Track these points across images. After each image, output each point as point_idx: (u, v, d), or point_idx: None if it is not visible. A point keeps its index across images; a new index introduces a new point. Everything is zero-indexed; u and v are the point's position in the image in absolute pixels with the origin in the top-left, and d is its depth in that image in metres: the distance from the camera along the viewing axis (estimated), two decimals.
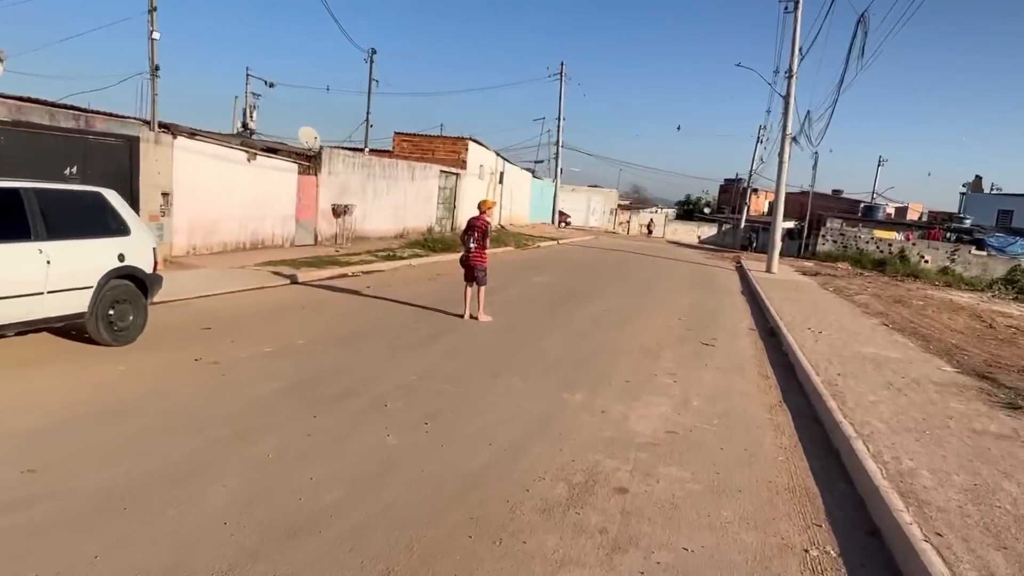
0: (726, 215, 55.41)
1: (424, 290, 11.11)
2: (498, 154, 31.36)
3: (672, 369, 7.30)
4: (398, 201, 20.43)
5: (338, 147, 19.58)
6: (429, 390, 5.71)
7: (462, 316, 8.91)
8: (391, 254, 15.18)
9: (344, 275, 12.16)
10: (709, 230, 52.08)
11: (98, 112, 11.33)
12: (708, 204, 74.37)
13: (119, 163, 10.74)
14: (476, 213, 9.01)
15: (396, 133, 27.81)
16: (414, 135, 27.76)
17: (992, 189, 43.16)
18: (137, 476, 3.63)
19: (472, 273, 8.84)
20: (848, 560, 3.46)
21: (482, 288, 8.89)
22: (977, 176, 44.42)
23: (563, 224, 43.20)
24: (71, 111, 10.57)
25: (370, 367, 6.25)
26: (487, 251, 8.97)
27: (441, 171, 23.58)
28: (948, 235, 30.52)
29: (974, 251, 27.84)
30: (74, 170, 9.98)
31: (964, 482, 4.33)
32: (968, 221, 35.07)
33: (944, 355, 8.85)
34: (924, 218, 41.97)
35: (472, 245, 8.80)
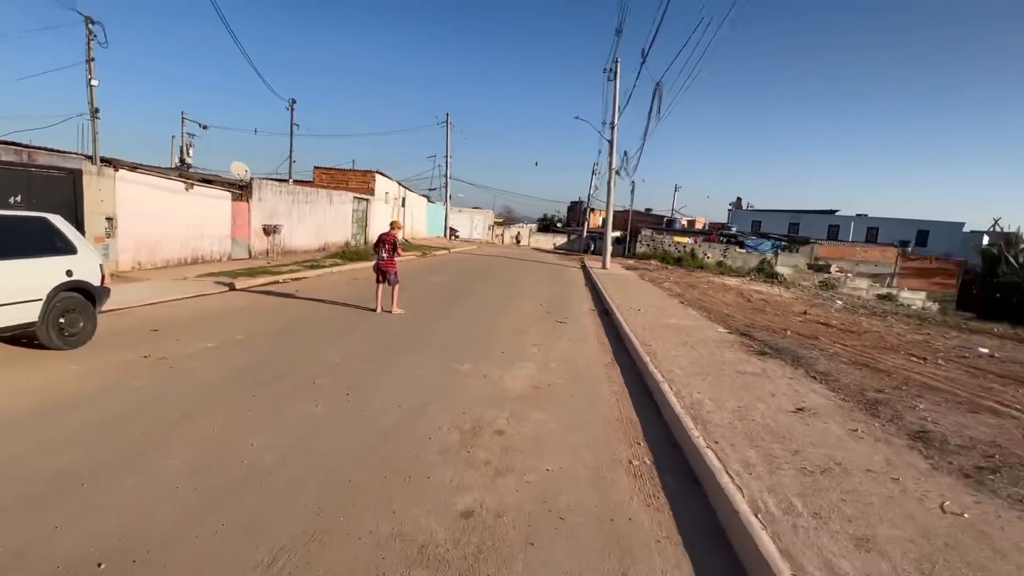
0: (573, 228, 57.45)
1: (344, 291, 10.67)
2: (400, 183, 30.63)
3: (536, 342, 7.51)
4: (319, 221, 19.44)
5: (266, 178, 18.25)
6: (351, 369, 5.51)
7: (375, 310, 8.70)
8: (315, 264, 14.39)
9: (276, 282, 11.39)
10: (562, 239, 53.83)
11: (40, 148, 9.86)
12: (560, 220, 76.89)
13: (64, 193, 9.41)
14: (387, 230, 8.91)
15: (316, 167, 26.36)
16: (330, 168, 26.42)
17: (748, 206, 47.91)
18: (94, 458, 3.24)
19: (384, 276, 8.76)
20: (659, 466, 3.76)
21: (396, 286, 8.79)
22: (738, 197, 49.09)
23: (453, 237, 42.95)
24: (12, 146, 9.10)
25: (301, 354, 5.92)
26: (396, 259, 8.88)
27: (354, 197, 22.69)
28: (721, 239, 33.55)
29: (738, 249, 30.82)
30: (18, 199, 8.63)
31: (733, 406, 4.80)
32: (733, 228, 38.79)
33: (720, 321, 9.74)
34: (706, 227, 45.80)
35: (383, 254, 8.74)
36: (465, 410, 4.54)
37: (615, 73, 22.31)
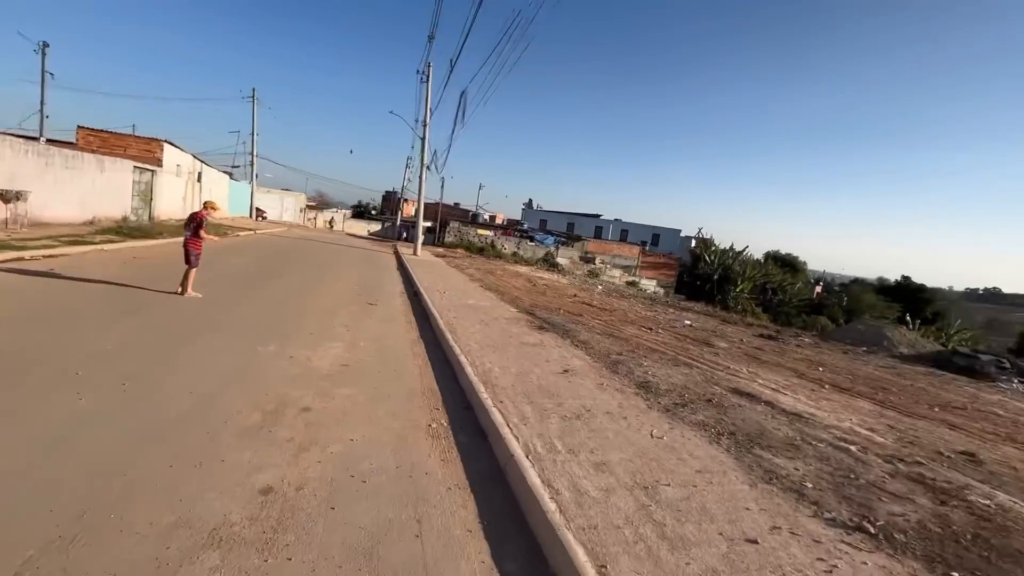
0: (387, 216, 55.84)
1: (120, 272, 8.65)
2: (196, 156, 25.78)
3: (346, 323, 7.18)
4: (86, 190, 15.23)
5: (7, 133, 13.64)
6: (128, 357, 4.52)
7: (177, 292, 7.30)
8: (78, 239, 11.32)
9: (20, 258, 8.67)
10: (376, 226, 51.88)
11: None
12: (375, 207, 74.01)
13: None
14: (197, 208, 7.56)
15: (80, 127, 20.53)
16: (102, 131, 20.78)
17: (538, 207, 52.55)
18: None
19: (187, 257, 7.39)
20: (455, 426, 3.98)
21: (193, 269, 7.42)
22: (530, 199, 53.59)
23: (260, 218, 37.93)
24: None
25: (60, 343, 4.67)
26: (202, 240, 7.55)
27: (135, 167, 18.34)
28: (516, 233, 36.20)
29: (529, 242, 33.64)
30: None
31: (516, 371, 5.31)
32: (525, 225, 42.22)
33: (511, 302, 10.59)
34: (505, 222, 48.99)
35: (188, 233, 7.38)
36: (268, 391, 4.15)
37: (427, 76, 22.17)
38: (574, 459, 3.35)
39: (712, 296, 29.74)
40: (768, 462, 3.64)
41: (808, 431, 4.41)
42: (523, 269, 22.46)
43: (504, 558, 2.43)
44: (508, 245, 32.28)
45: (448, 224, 34.87)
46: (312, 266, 13.86)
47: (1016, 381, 10.59)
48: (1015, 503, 3.42)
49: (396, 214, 47.41)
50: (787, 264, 37.76)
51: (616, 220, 47.33)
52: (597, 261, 32.96)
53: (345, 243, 26.28)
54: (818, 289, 37.81)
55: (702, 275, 32.84)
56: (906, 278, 37.64)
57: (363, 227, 51.18)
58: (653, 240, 44.79)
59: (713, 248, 35.06)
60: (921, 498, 3.30)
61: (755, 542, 2.60)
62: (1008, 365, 11.51)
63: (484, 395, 4.41)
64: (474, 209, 52.44)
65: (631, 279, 31.18)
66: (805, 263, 40.62)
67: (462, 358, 5.55)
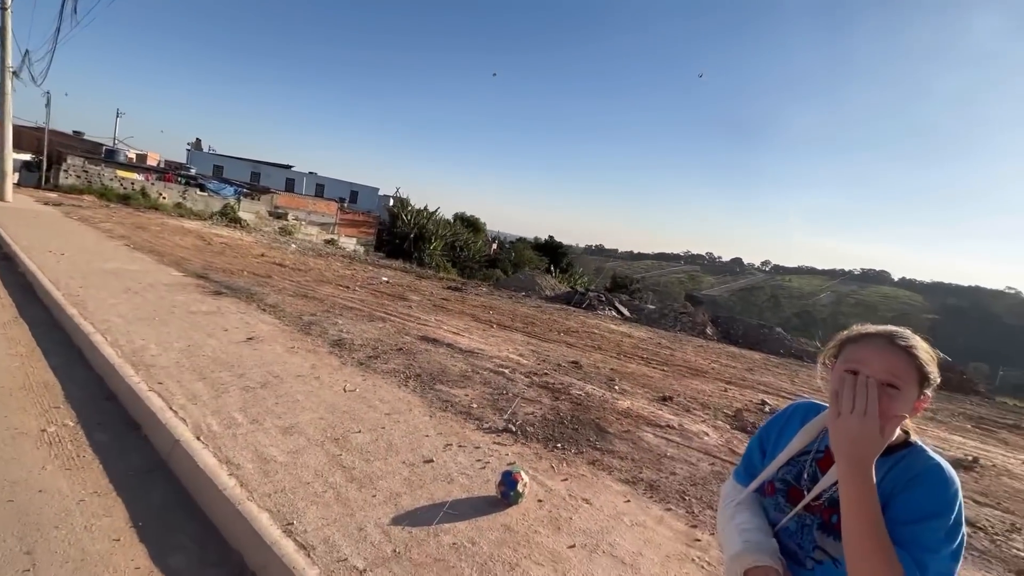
0: None
1: None
2: None
3: None
4: None
5: None
6: None
7: None
8: None
9: None
10: None
11: None
12: None
13: None
14: None
15: None
16: None
17: (210, 149, 43.68)
18: None
19: None
20: (86, 423, 3.14)
21: None
22: (197, 138, 43.74)
23: None
24: None
25: None
26: None
27: None
28: (180, 179, 29.36)
29: (199, 192, 27.84)
30: None
31: (182, 346, 4.51)
32: (193, 170, 34.59)
33: (174, 265, 8.72)
34: (161, 165, 38.77)
35: None
36: None
37: None
38: (259, 429, 3.15)
39: (410, 254, 31.63)
40: (446, 394, 4.28)
41: (477, 363, 5.36)
42: (193, 225, 18.62)
43: (168, 554, 2.15)
44: (168, 194, 26.00)
45: (65, 160, 25.37)
46: None
47: (607, 308, 15.37)
48: (594, 389, 5.09)
49: None
50: (471, 224, 43.29)
51: (311, 173, 44.10)
52: (290, 217, 30.18)
53: None
54: (494, 246, 45.05)
55: (400, 234, 34.38)
56: (551, 237, 48.66)
57: None
58: (352, 197, 43.91)
59: (410, 208, 36.97)
60: (545, 399, 4.53)
61: (431, 461, 3.07)
62: (604, 299, 16.58)
63: (134, 379, 3.60)
64: (111, 143, 39.51)
65: (330, 237, 29.96)
66: (484, 223, 47.44)
67: (97, 337, 4.34)
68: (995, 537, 3.26)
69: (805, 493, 1.02)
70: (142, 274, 7.45)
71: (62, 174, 24.05)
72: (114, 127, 40.02)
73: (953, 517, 0.89)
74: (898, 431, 1.00)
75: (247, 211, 27.29)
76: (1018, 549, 3.15)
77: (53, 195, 20.71)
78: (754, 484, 1.11)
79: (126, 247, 9.95)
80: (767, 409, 5.49)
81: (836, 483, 0.95)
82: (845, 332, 1.05)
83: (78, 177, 24.31)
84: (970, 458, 4.85)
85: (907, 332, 1.00)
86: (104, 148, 33.05)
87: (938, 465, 0.96)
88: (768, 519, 1.08)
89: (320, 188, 42.67)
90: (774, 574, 0.98)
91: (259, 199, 30.54)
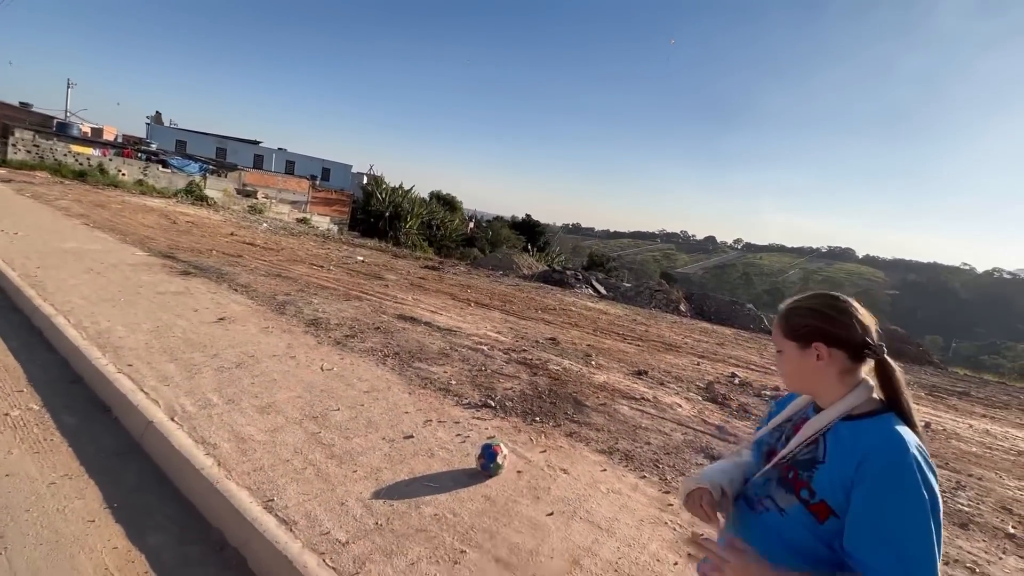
0: None
1: None
2: None
3: None
4: None
5: None
6: None
7: None
8: None
9: None
10: None
11: None
12: None
13: None
14: None
15: None
16: None
17: (171, 124, 41.63)
18: None
19: None
20: (52, 407, 3.05)
21: None
22: (157, 112, 41.52)
23: None
24: None
25: None
26: None
27: None
28: (140, 155, 27.99)
29: (162, 169, 26.61)
30: None
31: (150, 327, 4.39)
32: (154, 145, 32.97)
33: (138, 244, 8.40)
34: (119, 139, 36.85)
35: None
36: None
37: None
38: (235, 408, 3.12)
39: (385, 233, 31.14)
40: (425, 371, 4.30)
41: (456, 341, 5.38)
42: (155, 203, 17.89)
43: (146, 534, 2.13)
44: (128, 171, 24.82)
45: (12, 134, 23.84)
46: None
47: (583, 286, 15.52)
48: (572, 364, 5.18)
49: None
50: (447, 203, 42.78)
51: (280, 150, 42.62)
52: (260, 195, 29.25)
53: None
54: (471, 225, 44.68)
55: (375, 212, 33.75)
56: (528, 216, 48.53)
57: None
58: (324, 175, 42.72)
59: (384, 186, 36.23)
60: (523, 374, 4.59)
61: (411, 437, 3.10)
62: (580, 277, 16.73)
63: (101, 361, 3.50)
64: (62, 116, 37.20)
65: (302, 216, 29.20)
66: (461, 202, 46.95)
67: (59, 320, 4.19)
68: (943, 494, 3.50)
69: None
70: (104, 254, 7.16)
71: (10, 149, 22.65)
72: (65, 99, 37.68)
73: (910, 497, 0.88)
74: (870, 395, 1.01)
75: (214, 189, 26.33)
76: (962, 504, 3.39)
77: (1, 171, 19.55)
78: (743, 445, 1.26)
79: (85, 226, 9.51)
80: (736, 381, 5.69)
81: (799, 445, 1.04)
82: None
83: (28, 152, 22.96)
84: (922, 423, 5.15)
85: (792, 299, 1.12)
86: (55, 121, 31.16)
87: (884, 444, 0.93)
88: (749, 474, 1.19)
89: (290, 165, 41.38)
90: (707, 495, 1.11)
91: (226, 176, 29.46)
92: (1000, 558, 2.75)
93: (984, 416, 6.10)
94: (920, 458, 0.90)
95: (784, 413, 1.17)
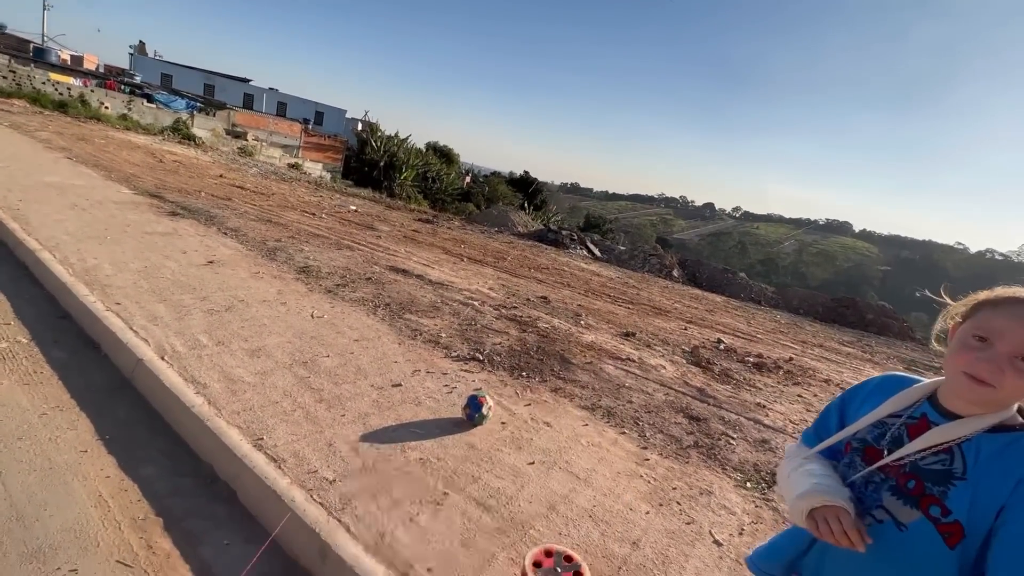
0: None
1: None
2: None
3: None
4: None
5: None
6: None
7: None
8: None
9: None
10: None
11: None
12: None
13: None
14: None
15: None
16: None
17: (156, 55, 39.69)
18: None
19: None
20: (41, 341, 3.07)
21: None
22: (141, 41, 39.60)
23: None
24: None
25: None
26: None
27: None
28: (123, 87, 26.82)
29: (147, 104, 25.57)
30: None
31: (138, 267, 4.36)
32: (138, 78, 31.53)
33: (124, 182, 8.20)
34: (101, 69, 35.13)
35: None
36: None
37: None
38: (225, 350, 3.16)
39: (379, 183, 30.58)
40: (415, 323, 4.35)
41: (447, 295, 5.42)
42: (141, 140, 17.33)
43: (138, 465, 2.21)
44: (111, 104, 23.87)
45: None
46: None
47: (578, 247, 15.51)
48: (561, 323, 5.26)
49: None
50: (444, 155, 41.86)
51: (272, 90, 41.05)
52: (250, 137, 28.41)
53: None
54: (468, 179, 43.92)
55: (369, 161, 33.01)
56: (526, 173, 47.74)
57: None
58: (317, 119, 41.42)
59: (379, 133, 35.26)
60: (512, 330, 4.66)
61: (399, 385, 3.18)
62: (576, 238, 16.69)
63: (89, 298, 3.50)
64: (38, 41, 35.23)
65: (294, 161, 28.51)
66: (459, 155, 45.96)
67: (45, 255, 4.15)
68: None
69: (885, 454, 0.96)
70: (89, 190, 7.00)
71: None
72: (42, 21, 35.63)
73: None
74: (1009, 412, 0.88)
75: (201, 128, 25.50)
76: None
77: None
78: (829, 441, 1.06)
79: (68, 160, 9.24)
80: (721, 347, 5.82)
81: (923, 449, 0.91)
82: (985, 293, 0.94)
83: (3, 78, 21.91)
84: None
85: None
86: (32, 46, 29.61)
87: None
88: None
89: (282, 107, 40.00)
90: (844, 515, 0.91)
91: (214, 115, 28.46)
92: None
93: None
94: None
95: (883, 408, 0.99)
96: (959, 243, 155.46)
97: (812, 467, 1.04)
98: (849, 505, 0.93)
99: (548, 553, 1.80)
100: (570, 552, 1.84)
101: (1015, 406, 0.88)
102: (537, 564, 1.74)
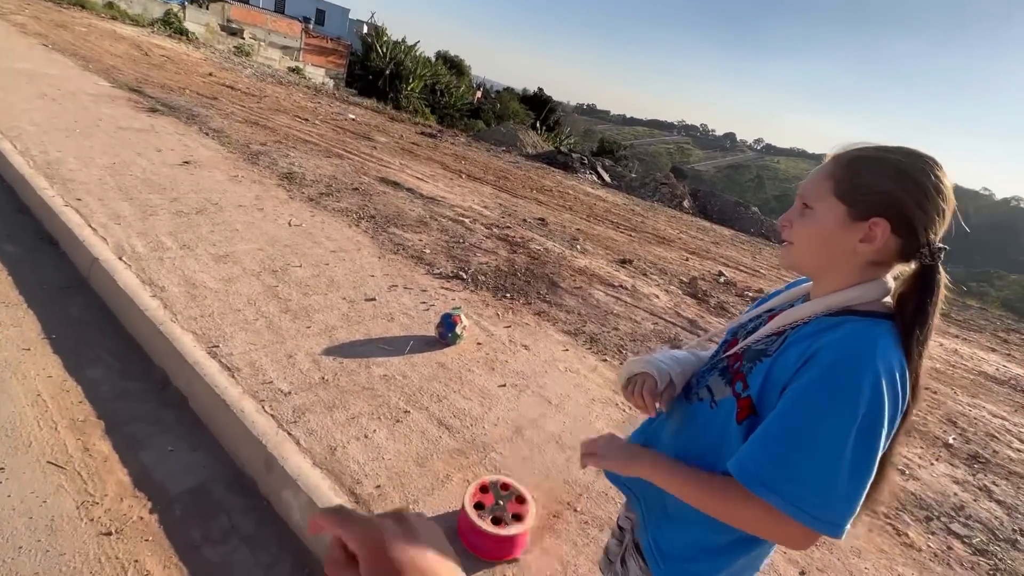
0: None
1: None
2: None
3: None
4: None
5: None
6: None
7: None
8: None
9: None
10: None
11: None
12: None
13: None
14: None
15: None
16: None
17: None
18: None
19: None
20: None
21: None
22: None
23: None
24: None
25: None
26: None
27: None
28: None
29: None
30: None
31: (106, 163, 4.09)
32: None
33: (102, 74, 7.66)
34: None
35: None
36: None
37: None
38: (190, 254, 2.98)
39: (384, 93, 28.97)
40: (399, 237, 4.13)
41: (437, 211, 5.15)
42: (128, 31, 16.15)
43: (85, 366, 2.10)
44: None
45: None
46: None
47: (588, 172, 14.87)
48: (555, 246, 5.03)
49: None
50: (455, 66, 39.32)
51: None
52: (247, 35, 26.56)
53: None
54: (479, 94, 41.57)
55: (374, 68, 31.07)
56: (541, 90, 45.06)
57: None
58: (318, 17, 38.52)
59: (386, 39, 32.87)
60: (502, 251, 4.44)
61: (373, 300, 3.02)
62: (586, 162, 15.95)
63: (48, 191, 3.28)
64: None
65: (294, 64, 26.84)
66: (470, 67, 43.19)
67: (6, 144, 3.88)
68: None
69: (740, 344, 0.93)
70: (62, 80, 6.52)
71: None
72: None
73: (839, 406, 0.68)
74: (881, 297, 0.77)
75: (194, 22, 23.76)
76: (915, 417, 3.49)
77: None
78: (705, 337, 1.17)
79: (43, 46, 8.60)
80: (721, 280, 5.61)
81: (764, 336, 0.84)
82: None
83: None
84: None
85: (865, 144, 0.78)
86: None
87: (846, 344, 0.71)
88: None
89: (280, 2, 37.07)
90: (650, 380, 0.96)
91: (208, 8, 26.43)
92: (932, 464, 2.87)
93: (957, 337, 6.18)
94: (884, 376, 0.68)
95: (770, 302, 0.95)
96: (985, 188, 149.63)
97: (679, 350, 1.08)
98: (662, 376, 0.96)
99: (484, 488, 1.72)
100: (504, 479, 1.76)
101: (878, 293, 0.77)
102: (480, 505, 1.65)
